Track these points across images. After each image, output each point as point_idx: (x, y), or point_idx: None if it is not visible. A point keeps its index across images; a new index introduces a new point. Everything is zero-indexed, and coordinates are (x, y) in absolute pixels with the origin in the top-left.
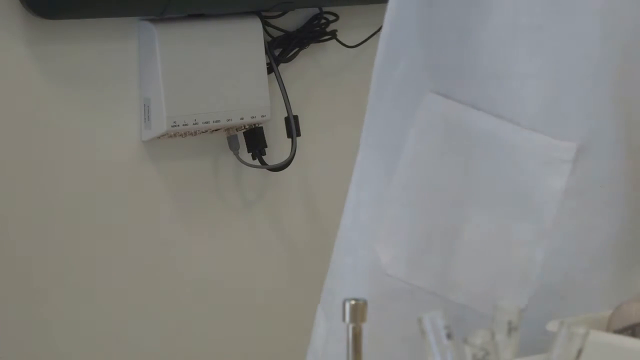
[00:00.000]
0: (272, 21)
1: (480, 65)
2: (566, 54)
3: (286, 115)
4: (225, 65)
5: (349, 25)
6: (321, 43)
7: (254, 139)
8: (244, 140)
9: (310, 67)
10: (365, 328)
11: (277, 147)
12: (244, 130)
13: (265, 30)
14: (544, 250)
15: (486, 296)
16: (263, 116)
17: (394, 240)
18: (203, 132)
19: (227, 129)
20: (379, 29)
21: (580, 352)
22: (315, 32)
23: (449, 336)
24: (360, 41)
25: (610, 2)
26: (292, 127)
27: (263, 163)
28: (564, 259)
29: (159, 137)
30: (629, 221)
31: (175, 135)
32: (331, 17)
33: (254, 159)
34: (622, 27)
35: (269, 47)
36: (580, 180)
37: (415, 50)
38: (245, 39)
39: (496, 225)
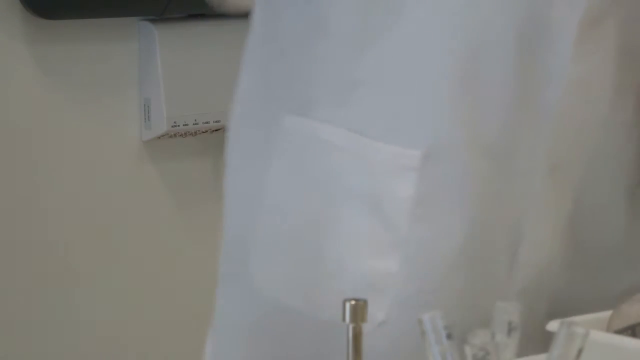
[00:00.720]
0: None
1: (328, 79)
2: (404, 61)
3: None
4: (225, 65)
5: None
6: None
7: None
8: None
9: None
10: (243, 352)
11: None
12: None
13: None
14: (398, 260)
15: None
16: None
17: (266, 262)
18: (203, 132)
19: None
20: None
21: (580, 352)
22: None
23: (449, 336)
24: None
25: (454, 5)
26: None
27: None
28: (418, 267)
29: (159, 137)
30: (479, 223)
31: (175, 135)
32: None
33: None
34: (468, 30)
35: None
36: (428, 187)
37: (268, 70)
38: (245, 39)
39: (355, 239)
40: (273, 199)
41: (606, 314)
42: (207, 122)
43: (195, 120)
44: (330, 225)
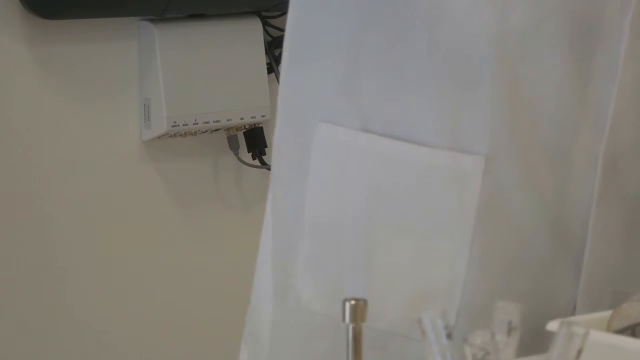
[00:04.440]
0: (272, 21)
1: (364, 87)
2: (457, 58)
3: None
4: (225, 65)
5: None
6: None
7: (254, 139)
8: (244, 140)
9: None
10: None
11: None
12: (244, 130)
13: (265, 30)
14: (464, 266)
15: (409, 319)
16: (263, 116)
17: (311, 276)
18: (203, 132)
19: (227, 129)
20: None
21: (580, 352)
22: None
23: (449, 336)
24: None
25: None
26: None
27: (263, 163)
28: (484, 272)
29: (159, 137)
30: (542, 223)
31: (175, 135)
32: None
33: (254, 159)
34: (519, 32)
35: (269, 47)
36: (491, 192)
37: (298, 78)
38: (245, 39)
39: (413, 247)
40: (313, 211)
41: (606, 314)
42: (207, 122)
43: (195, 120)
44: (383, 233)
